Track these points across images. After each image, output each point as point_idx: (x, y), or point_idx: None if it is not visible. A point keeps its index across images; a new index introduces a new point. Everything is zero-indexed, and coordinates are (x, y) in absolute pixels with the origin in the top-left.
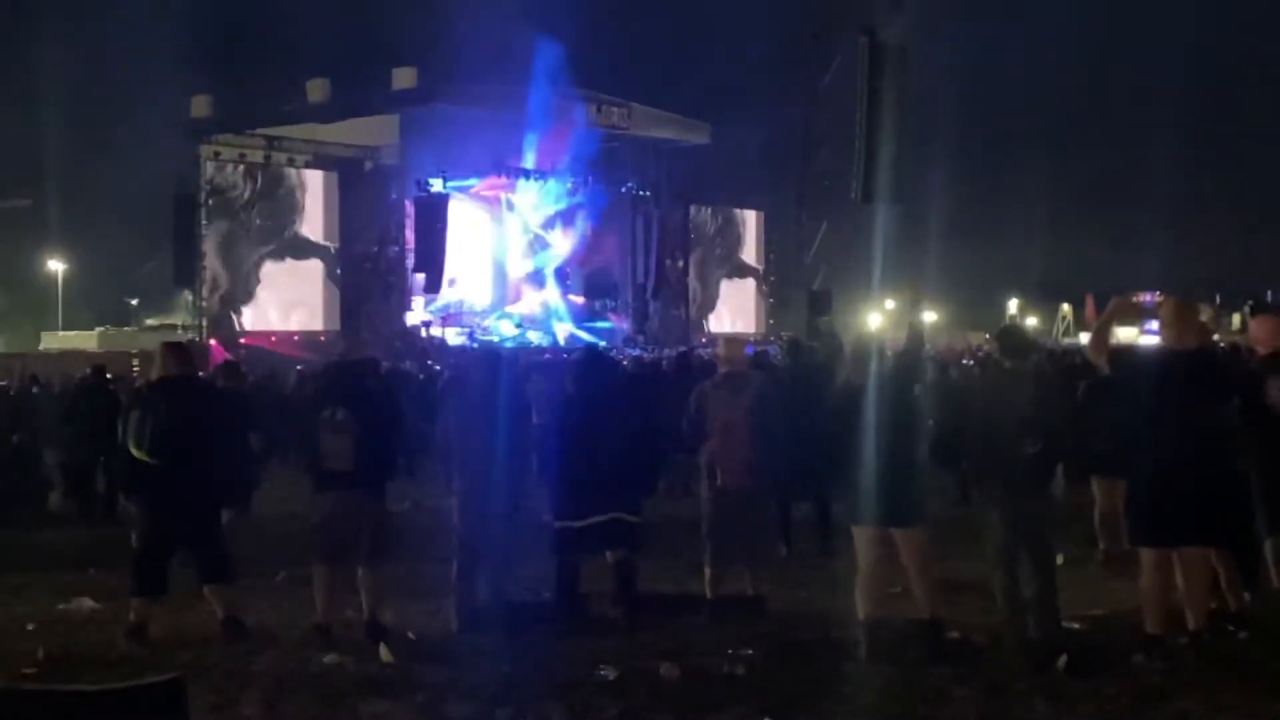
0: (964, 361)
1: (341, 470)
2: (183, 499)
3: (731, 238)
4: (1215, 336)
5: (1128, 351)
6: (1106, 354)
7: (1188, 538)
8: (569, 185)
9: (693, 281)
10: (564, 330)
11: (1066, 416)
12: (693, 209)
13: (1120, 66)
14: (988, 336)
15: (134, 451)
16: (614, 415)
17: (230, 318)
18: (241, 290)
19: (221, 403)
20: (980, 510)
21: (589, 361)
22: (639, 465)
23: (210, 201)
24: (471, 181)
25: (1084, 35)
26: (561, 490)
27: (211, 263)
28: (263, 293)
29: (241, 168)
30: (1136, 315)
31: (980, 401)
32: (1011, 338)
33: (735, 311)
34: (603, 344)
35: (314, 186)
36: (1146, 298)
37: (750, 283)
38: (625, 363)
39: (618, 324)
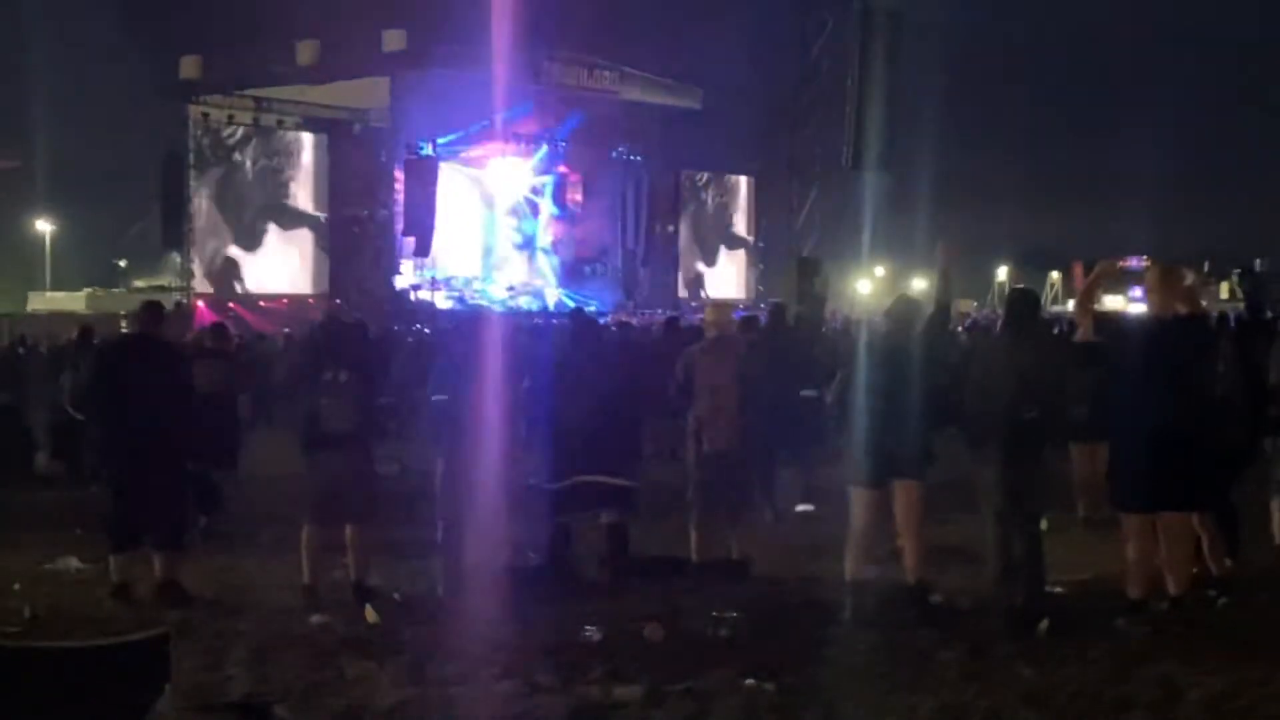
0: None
1: (338, 431)
2: (136, 457)
3: (723, 204)
4: (1204, 303)
5: (1113, 317)
6: (1091, 318)
7: (1169, 503)
8: (559, 149)
9: (685, 247)
10: (553, 295)
11: (1061, 383)
12: (683, 174)
13: (1110, 32)
14: (974, 304)
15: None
16: (598, 379)
17: (233, 279)
18: (244, 251)
19: (175, 363)
20: (975, 474)
21: (574, 325)
22: (625, 429)
23: (208, 157)
24: (461, 145)
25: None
26: (541, 452)
27: (212, 220)
28: (260, 256)
29: (240, 130)
30: (1122, 280)
31: (979, 366)
32: (1017, 304)
33: (725, 278)
34: (591, 306)
35: (306, 149)
36: (1133, 262)
37: (740, 250)
38: (613, 327)
39: (607, 289)
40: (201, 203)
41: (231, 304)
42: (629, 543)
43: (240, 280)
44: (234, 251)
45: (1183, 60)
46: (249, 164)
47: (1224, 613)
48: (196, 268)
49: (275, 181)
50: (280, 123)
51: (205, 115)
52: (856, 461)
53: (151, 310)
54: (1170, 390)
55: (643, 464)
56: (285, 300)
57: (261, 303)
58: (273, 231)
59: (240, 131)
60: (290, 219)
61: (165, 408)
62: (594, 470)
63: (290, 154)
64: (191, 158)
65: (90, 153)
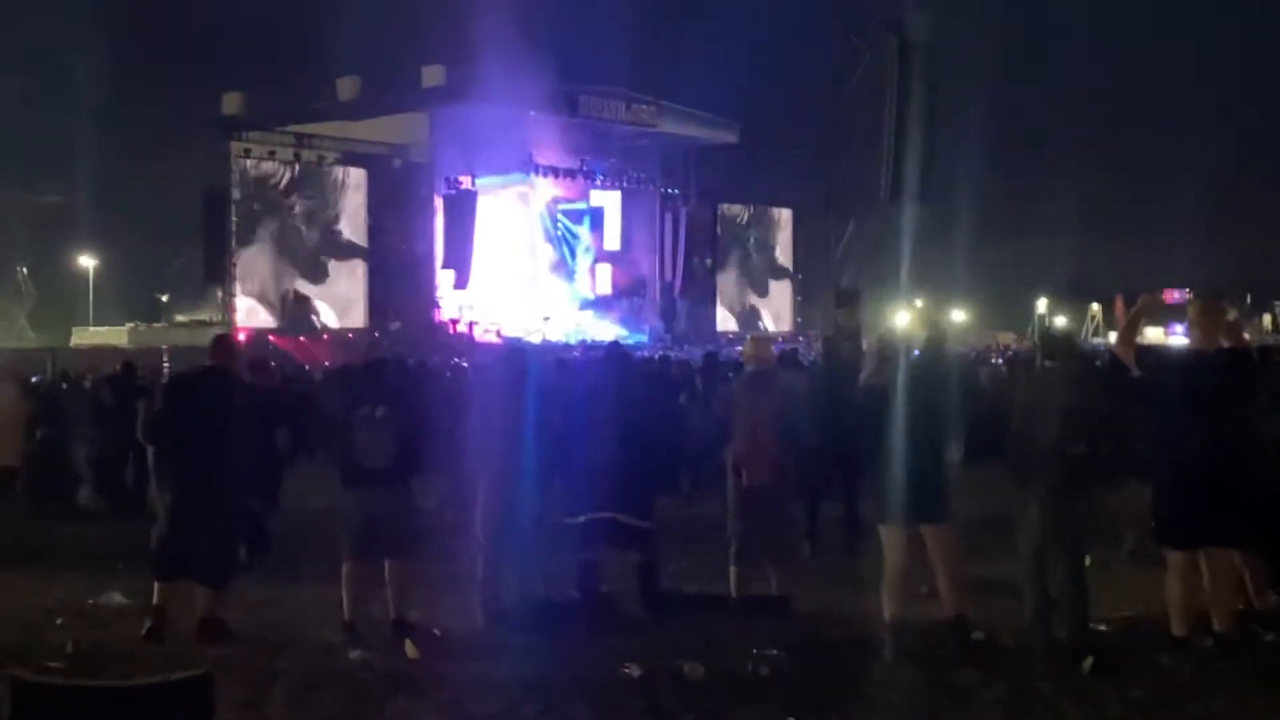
0: (993, 360)
1: (377, 467)
2: (197, 490)
3: (765, 236)
4: (1246, 336)
5: (1155, 351)
6: (1134, 352)
7: (1214, 539)
8: (597, 183)
9: (735, 279)
10: (590, 328)
11: (1107, 418)
12: (727, 207)
13: (1151, 63)
14: (1014, 336)
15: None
16: (627, 414)
17: (308, 313)
18: (312, 284)
19: (245, 397)
20: (1016, 509)
21: (609, 359)
22: (652, 466)
23: (256, 205)
24: (499, 179)
25: (1113, 32)
26: (567, 486)
27: (272, 262)
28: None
29: (287, 170)
30: (1164, 314)
31: (1023, 401)
32: (1054, 340)
33: (778, 310)
34: (627, 338)
35: (355, 185)
36: (1175, 295)
37: (783, 283)
38: (653, 360)
39: (645, 322)
40: (264, 244)
41: (272, 337)
42: (659, 580)
43: (315, 314)
44: (303, 286)
45: (1225, 91)
46: (300, 204)
47: (1269, 649)
48: (260, 304)
49: (324, 218)
50: (321, 158)
51: (247, 151)
52: (885, 501)
53: (224, 344)
54: (1214, 425)
55: (678, 499)
56: (326, 335)
57: (325, 335)
58: (333, 266)
59: (287, 172)
60: (344, 252)
61: (232, 442)
62: (611, 507)
63: (337, 190)
64: (239, 196)
65: (133, 188)
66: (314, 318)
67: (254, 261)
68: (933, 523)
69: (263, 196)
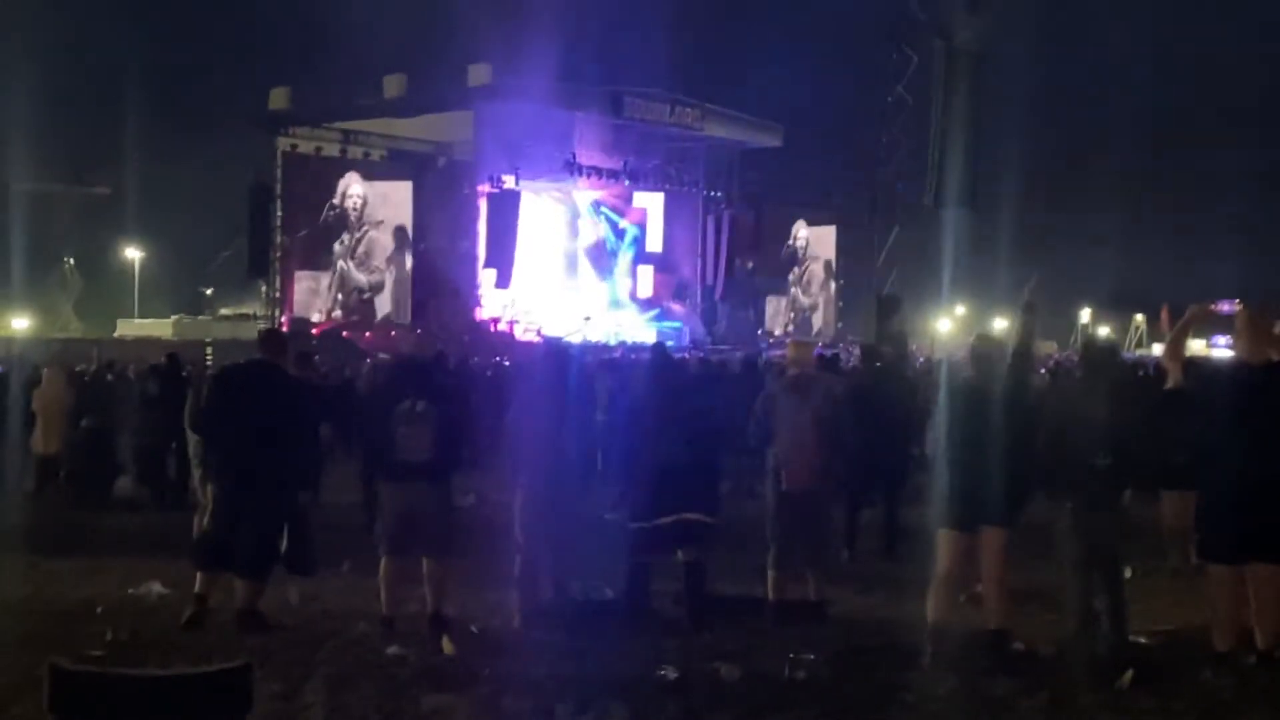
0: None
1: (417, 461)
2: (243, 482)
3: (811, 240)
4: None
5: (1201, 363)
6: (1181, 364)
7: (1260, 554)
8: (640, 184)
9: (790, 282)
10: (633, 328)
11: (1138, 429)
12: (775, 210)
13: (1198, 73)
14: (1055, 346)
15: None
16: (684, 415)
17: (371, 308)
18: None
19: (292, 392)
20: (1054, 521)
21: (658, 361)
22: (708, 465)
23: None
24: (543, 179)
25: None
26: (634, 490)
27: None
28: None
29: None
30: (1213, 325)
31: (1053, 412)
32: (1093, 350)
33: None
34: (670, 343)
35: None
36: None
37: (830, 287)
38: (693, 362)
39: (687, 324)
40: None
41: (315, 330)
42: (705, 580)
43: (374, 313)
44: (364, 282)
45: (1271, 99)
46: (354, 199)
47: None
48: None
49: (374, 215)
50: (366, 155)
51: (294, 146)
52: (945, 505)
53: (273, 337)
54: (1260, 439)
55: (721, 501)
56: (369, 333)
57: (345, 332)
58: (395, 263)
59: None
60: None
61: (280, 435)
62: (681, 508)
63: (386, 187)
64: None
65: (179, 181)
66: (374, 308)
67: (308, 254)
68: (990, 525)
69: (314, 190)
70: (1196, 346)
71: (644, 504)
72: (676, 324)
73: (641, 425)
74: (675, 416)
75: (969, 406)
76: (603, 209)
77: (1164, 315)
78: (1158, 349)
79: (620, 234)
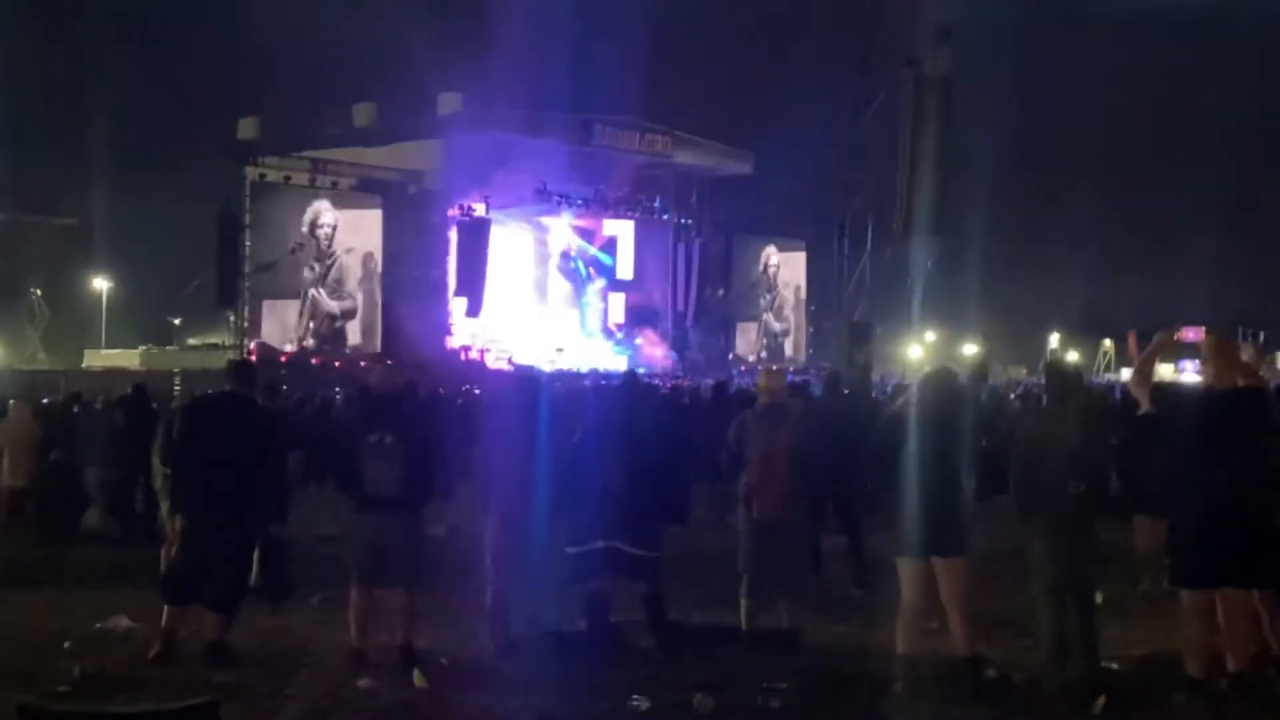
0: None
1: (386, 495)
2: (212, 514)
3: (781, 267)
4: (1262, 374)
5: (1169, 388)
6: (1149, 390)
7: (1230, 579)
8: (610, 212)
9: (762, 309)
10: (603, 356)
11: (1110, 455)
12: (737, 237)
13: (1165, 100)
14: (1024, 371)
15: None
16: (635, 443)
17: (343, 338)
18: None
19: (263, 423)
20: (1025, 546)
21: (624, 388)
22: (662, 496)
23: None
24: (513, 207)
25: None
26: (572, 514)
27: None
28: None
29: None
30: (1179, 351)
31: (1026, 438)
32: (1056, 376)
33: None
34: (641, 370)
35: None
36: (1190, 333)
37: (798, 314)
38: (665, 389)
39: (657, 351)
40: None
41: (283, 359)
42: (666, 611)
43: (345, 340)
44: (334, 310)
45: (1237, 127)
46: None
47: None
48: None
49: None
50: (335, 184)
51: (262, 175)
52: (903, 533)
53: (243, 368)
54: (1229, 464)
55: (689, 530)
56: (338, 362)
57: (362, 363)
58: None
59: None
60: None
61: (250, 468)
62: (614, 537)
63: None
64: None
65: (147, 212)
66: (345, 345)
67: (278, 282)
68: (946, 556)
69: (283, 219)
70: (1165, 371)
71: (578, 529)
72: (644, 362)
73: (595, 452)
74: (625, 444)
75: (923, 434)
76: (573, 237)
77: (1131, 341)
78: (1125, 374)
79: (590, 261)
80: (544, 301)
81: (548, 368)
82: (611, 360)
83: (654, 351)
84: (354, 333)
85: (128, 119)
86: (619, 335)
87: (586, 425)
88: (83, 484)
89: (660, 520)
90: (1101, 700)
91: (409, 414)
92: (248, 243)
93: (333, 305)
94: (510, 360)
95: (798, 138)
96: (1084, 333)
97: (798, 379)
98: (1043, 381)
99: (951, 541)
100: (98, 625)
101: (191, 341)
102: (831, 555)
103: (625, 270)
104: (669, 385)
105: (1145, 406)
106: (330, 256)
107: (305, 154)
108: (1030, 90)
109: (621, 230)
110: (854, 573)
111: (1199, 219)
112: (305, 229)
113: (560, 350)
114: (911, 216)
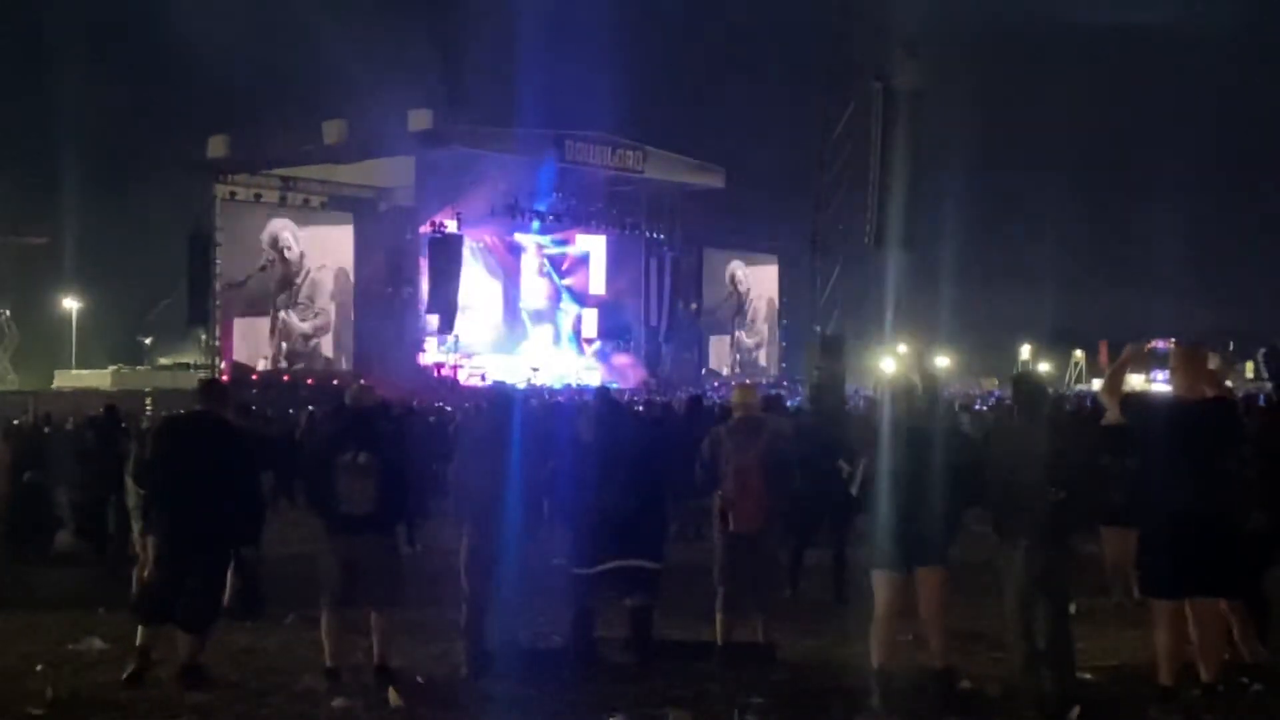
0: (976, 406)
1: (360, 513)
2: (184, 535)
3: (746, 281)
4: (1229, 384)
5: (1139, 399)
6: (1119, 401)
7: (1200, 589)
8: (582, 227)
9: (735, 323)
10: (576, 372)
11: (1085, 466)
12: (708, 252)
13: (1135, 113)
14: (996, 382)
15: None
16: (628, 460)
17: (317, 355)
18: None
19: (235, 442)
20: (1000, 558)
21: (602, 405)
22: (654, 510)
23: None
24: (485, 224)
25: (1097, 82)
26: (576, 535)
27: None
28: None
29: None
30: (1148, 361)
31: (1001, 449)
32: (1024, 387)
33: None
34: (614, 386)
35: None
36: (1160, 345)
37: (767, 326)
38: (639, 405)
39: (630, 366)
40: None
41: (310, 380)
42: (653, 625)
43: (319, 356)
44: (306, 328)
45: (1207, 140)
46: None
47: (1256, 700)
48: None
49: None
50: (306, 201)
51: (232, 194)
52: (878, 545)
53: (214, 388)
54: (1198, 474)
55: (667, 545)
56: (311, 380)
57: (335, 381)
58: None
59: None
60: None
61: (222, 487)
62: (625, 554)
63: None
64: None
65: (117, 231)
66: (317, 361)
67: (248, 301)
68: (925, 565)
69: (253, 237)
70: (1136, 381)
71: (586, 549)
72: (618, 378)
73: (584, 470)
74: (619, 461)
75: (901, 445)
76: (545, 252)
77: (1102, 352)
78: (1096, 384)
79: (563, 275)
80: (516, 317)
81: (522, 385)
82: (584, 375)
83: (626, 366)
84: (327, 347)
85: (97, 138)
86: (591, 350)
87: (571, 444)
88: (53, 505)
89: (663, 533)
90: (1076, 711)
91: (382, 432)
92: (218, 261)
93: (304, 325)
94: (484, 376)
95: (768, 152)
96: (1055, 344)
97: (772, 392)
98: (1011, 394)
99: (932, 551)
100: (70, 646)
101: (163, 361)
102: (809, 569)
103: (598, 285)
104: (642, 403)
105: (1115, 417)
106: (300, 274)
107: (276, 171)
108: (1002, 102)
109: (594, 245)
110: (836, 587)
111: (1169, 233)
112: (275, 247)
113: (536, 370)
114: (882, 229)
